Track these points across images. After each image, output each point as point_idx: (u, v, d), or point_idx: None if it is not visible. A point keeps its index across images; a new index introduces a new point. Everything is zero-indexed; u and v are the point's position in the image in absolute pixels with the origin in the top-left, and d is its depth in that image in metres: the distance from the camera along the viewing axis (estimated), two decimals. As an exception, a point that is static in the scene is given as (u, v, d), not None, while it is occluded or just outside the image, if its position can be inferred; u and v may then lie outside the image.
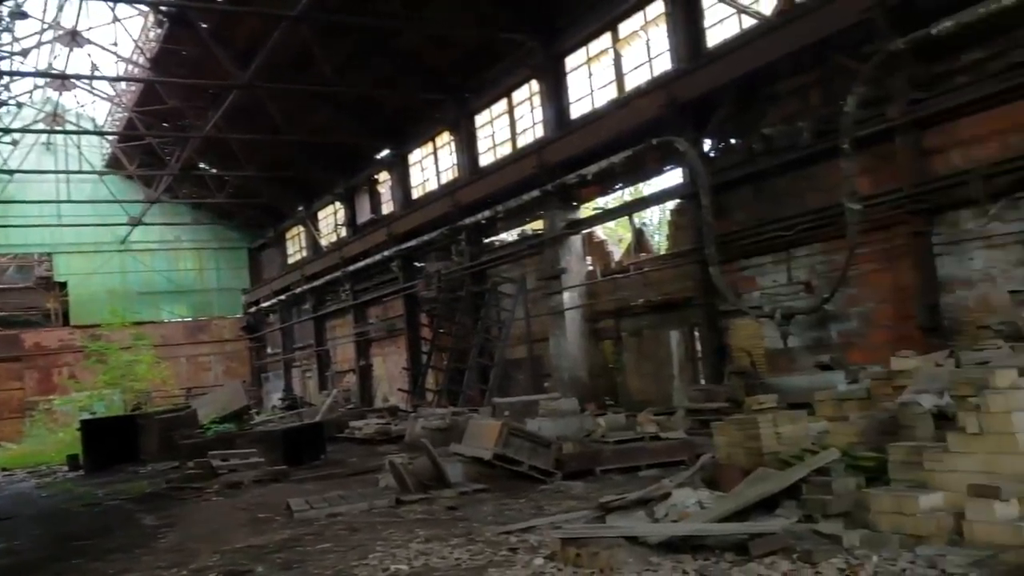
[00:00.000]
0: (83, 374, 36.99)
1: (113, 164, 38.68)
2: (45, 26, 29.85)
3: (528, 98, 22.30)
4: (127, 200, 38.66)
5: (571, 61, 20.66)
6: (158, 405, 30.95)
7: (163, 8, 24.97)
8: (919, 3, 12.24)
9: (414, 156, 28.47)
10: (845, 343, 14.09)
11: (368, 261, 29.16)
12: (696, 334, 16.94)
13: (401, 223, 27.33)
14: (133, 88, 32.68)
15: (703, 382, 16.05)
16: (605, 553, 6.15)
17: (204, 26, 23.22)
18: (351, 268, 30.56)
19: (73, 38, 30.36)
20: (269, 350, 42.03)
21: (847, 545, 5.76)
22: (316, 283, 34.11)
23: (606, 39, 19.49)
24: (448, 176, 26.21)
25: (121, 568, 8.12)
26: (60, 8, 29.54)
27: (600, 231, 22.19)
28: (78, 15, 31.41)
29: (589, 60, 20.07)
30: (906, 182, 12.77)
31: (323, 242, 35.59)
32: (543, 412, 12.79)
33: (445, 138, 26.25)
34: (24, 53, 30.33)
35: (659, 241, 23.27)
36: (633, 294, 18.67)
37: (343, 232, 33.36)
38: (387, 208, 30.20)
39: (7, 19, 27.52)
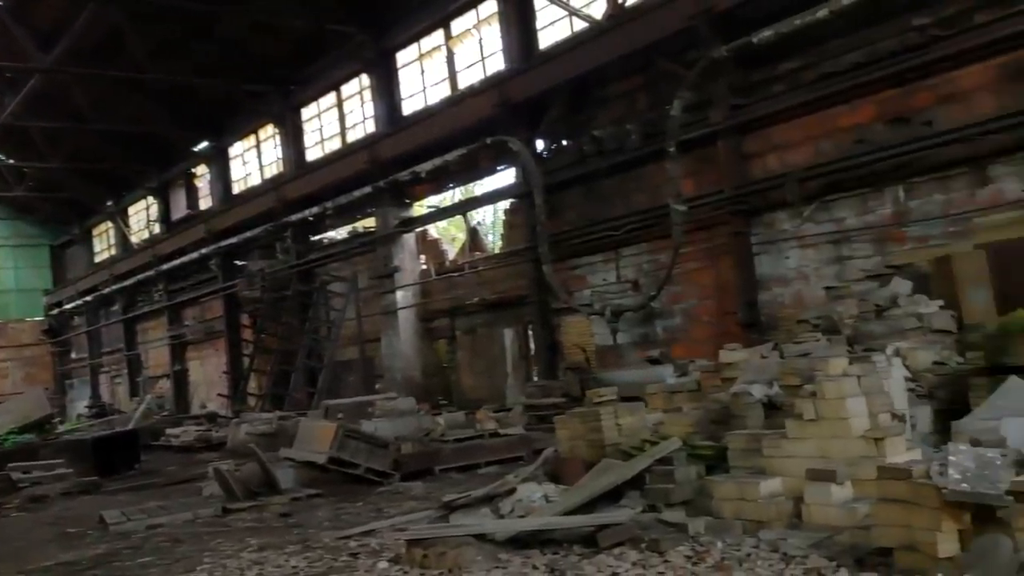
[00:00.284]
0: None
1: None
2: None
3: (359, 92, 21.85)
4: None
5: (403, 57, 20.39)
6: (-57, 417, 28.05)
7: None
8: (741, 13, 12.85)
9: (235, 149, 27.35)
10: (670, 339, 14.61)
11: (184, 259, 27.80)
12: (530, 332, 17.12)
13: (221, 219, 26.19)
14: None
15: (536, 379, 16.23)
16: (453, 552, 5.98)
17: (1, 3, 21.33)
18: (165, 267, 29.07)
19: None
20: (74, 355, 39.41)
21: (692, 532, 5.87)
22: (126, 283, 32.12)
23: (439, 36, 19.36)
24: (273, 170, 25.34)
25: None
26: None
27: (434, 230, 22.05)
28: None
29: (421, 56, 19.88)
30: (727, 184, 13.39)
31: (134, 239, 33.76)
32: (380, 412, 12.50)
33: (269, 131, 25.34)
34: None
35: (493, 240, 23.36)
36: (467, 293, 18.65)
37: (156, 229, 31.78)
38: (205, 204, 28.97)
39: None
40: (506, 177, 18.14)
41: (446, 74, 19.23)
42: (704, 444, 6.87)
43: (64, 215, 38.47)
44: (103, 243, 37.78)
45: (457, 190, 20.75)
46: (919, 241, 11.30)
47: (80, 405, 34.74)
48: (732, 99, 13.22)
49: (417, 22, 19.51)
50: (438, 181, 19.23)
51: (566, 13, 16.07)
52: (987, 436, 4.79)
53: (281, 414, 17.09)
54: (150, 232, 32.41)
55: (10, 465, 13.97)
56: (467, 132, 17.13)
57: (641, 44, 14.23)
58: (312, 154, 23.60)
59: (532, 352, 17.12)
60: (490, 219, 28.37)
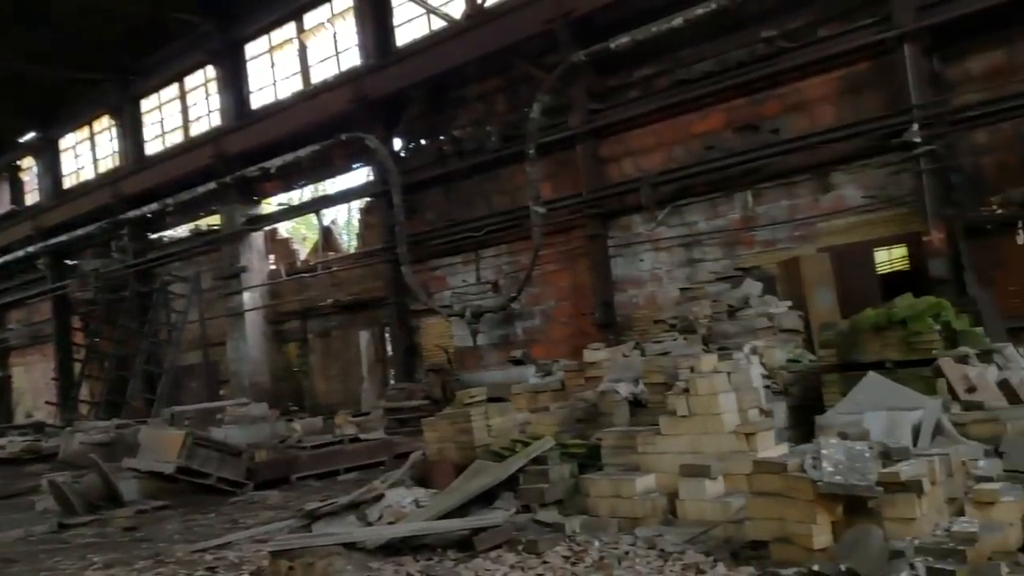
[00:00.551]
0: None
1: None
2: None
3: (203, 84, 20.91)
4: None
5: (252, 48, 19.64)
6: None
7: None
8: (599, 19, 13.09)
9: (67, 141, 25.69)
10: (529, 339, 14.70)
11: (8, 258, 25.98)
12: (387, 334, 16.82)
13: (50, 215, 24.63)
14: None
15: (393, 382, 15.95)
16: (321, 563, 5.71)
17: None
18: (-14, 266, 26.87)
19: None
20: None
21: (569, 532, 5.84)
22: (-61, 283, 29.49)
23: (290, 28, 18.76)
24: (108, 164, 23.92)
25: None
26: None
27: (284, 229, 21.37)
28: None
29: (272, 49, 19.21)
30: (585, 188, 13.60)
31: (-52, 236, 30.93)
32: (230, 419, 11.94)
33: (105, 122, 23.93)
34: None
35: (348, 240, 22.87)
36: (321, 294, 18.16)
37: (-25, 225, 29.28)
38: (32, 198, 27.17)
39: None
40: (361, 176, 17.82)
41: (298, 68, 18.64)
42: (577, 443, 6.87)
43: None
44: (-90, 240, 34.50)
45: (309, 188, 20.20)
46: (766, 245, 11.84)
47: None
48: (590, 104, 13.45)
49: (268, 13, 18.82)
50: (289, 178, 18.65)
51: (424, 11, 15.90)
52: (852, 430, 4.99)
53: (119, 422, 16.03)
54: (-33, 228, 29.90)
55: None
56: (321, 128, 16.66)
57: (500, 45, 14.26)
58: (152, 148, 22.41)
59: (389, 355, 16.82)
60: (344, 218, 27.79)
